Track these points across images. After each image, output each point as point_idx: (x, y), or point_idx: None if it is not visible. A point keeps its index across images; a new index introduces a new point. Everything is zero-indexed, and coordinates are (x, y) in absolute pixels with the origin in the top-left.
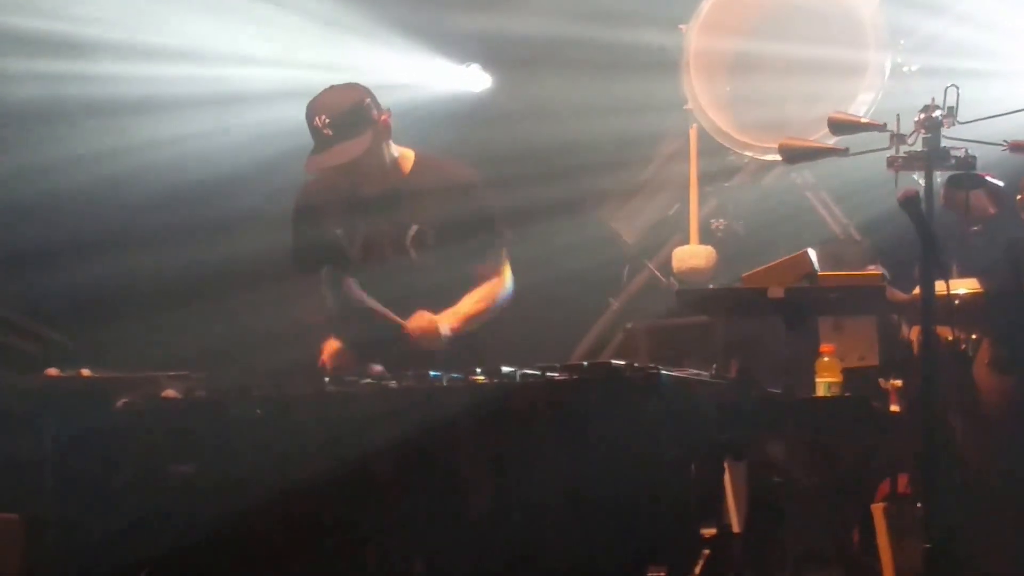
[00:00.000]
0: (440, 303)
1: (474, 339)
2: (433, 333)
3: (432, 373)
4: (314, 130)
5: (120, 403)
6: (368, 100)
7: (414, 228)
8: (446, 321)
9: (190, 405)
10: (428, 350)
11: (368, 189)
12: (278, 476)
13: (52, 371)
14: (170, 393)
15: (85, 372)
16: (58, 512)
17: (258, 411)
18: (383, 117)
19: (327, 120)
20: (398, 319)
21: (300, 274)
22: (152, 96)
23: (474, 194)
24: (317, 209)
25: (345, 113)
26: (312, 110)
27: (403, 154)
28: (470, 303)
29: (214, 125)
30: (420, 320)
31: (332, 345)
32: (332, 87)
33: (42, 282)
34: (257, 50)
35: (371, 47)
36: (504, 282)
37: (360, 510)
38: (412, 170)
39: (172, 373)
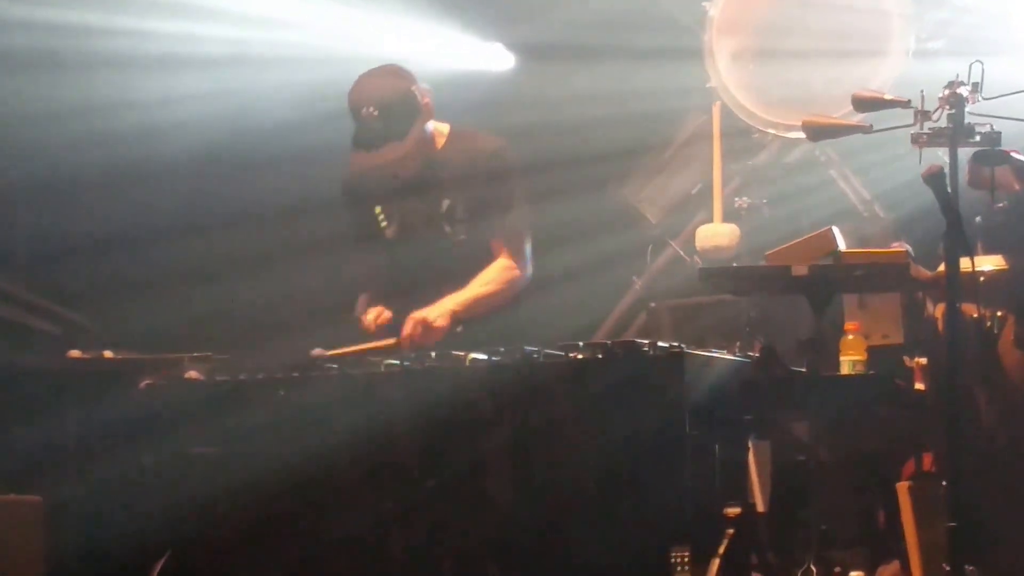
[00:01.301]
0: (465, 277)
1: (514, 316)
2: (429, 331)
3: (455, 352)
4: (360, 119)
5: (142, 385)
6: (415, 87)
7: (446, 203)
8: (447, 307)
9: (213, 387)
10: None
11: (405, 167)
12: (301, 458)
13: (74, 353)
14: (193, 375)
15: (107, 354)
16: (80, 494)
17: (281, 392)
18: (426, 101)
19: (375, 112)
20: (389, 341)
21: (359, 251)
22: (172, 54)
23: (498, 162)
24: (360, 188)
25: (394, 104)
26: (358, 99)
27: (438, 129)
28: (477, 286)
29: (234, 88)
30: (411, 325)
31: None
32: (376, 73)
33: (63, 263)
34: (275, 12)
35: (393, 16)
36: (519, 264)
37: (383, 492)
38: (444, 145)
39: (195, 355)
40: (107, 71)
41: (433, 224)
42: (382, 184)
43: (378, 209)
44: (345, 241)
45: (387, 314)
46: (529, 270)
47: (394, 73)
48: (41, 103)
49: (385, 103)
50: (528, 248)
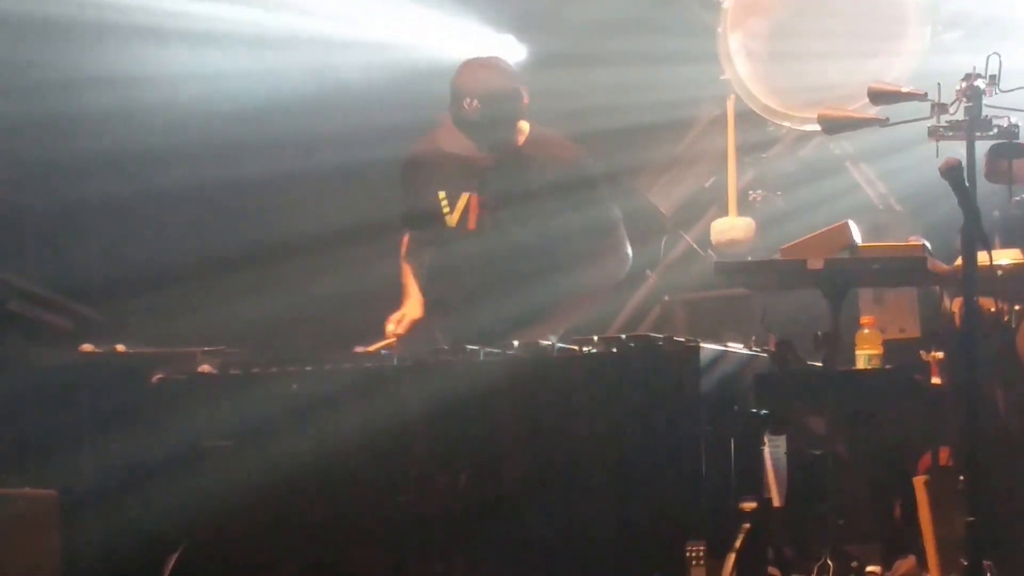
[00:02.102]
0: (533, 277)
1: None
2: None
3: (469, 347)
4: (460, 109)
5: (155, 378)
6: (520, 87)
7: (517, 201)
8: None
9: (226, 380)
10: None
11: (479, 157)
12: (314, 451)
13: (87, 347)
14: (205, 368)
15: (120, 348)
16: (94, 488)
17: (294, 386)
18: (526, 101)
19: (477, 105)
20: None
21: (409, 231)
22: (187, 31)
23: (583, 172)
24: (425, 168)
25: (498, 101)
26: (462, 88)
27: (518, 126)
28: (581, 300)
29: (248, 71)
30: None
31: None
32: (484, 64)
33: (75, 257)
34: None
35: (406, 1)
36: (619, 259)
37: (397, 485)
38: (525, 144)
39: (208, 348)
40: (127, 46)
41: (498, 220)
42: (453, 169)
43: (442, 194)
44: (394, 217)
45: (412, 316)
46: (629, 258)
47: (501, 69)
48: (54, 78)
49: (490, 98)
50: (626, 241)
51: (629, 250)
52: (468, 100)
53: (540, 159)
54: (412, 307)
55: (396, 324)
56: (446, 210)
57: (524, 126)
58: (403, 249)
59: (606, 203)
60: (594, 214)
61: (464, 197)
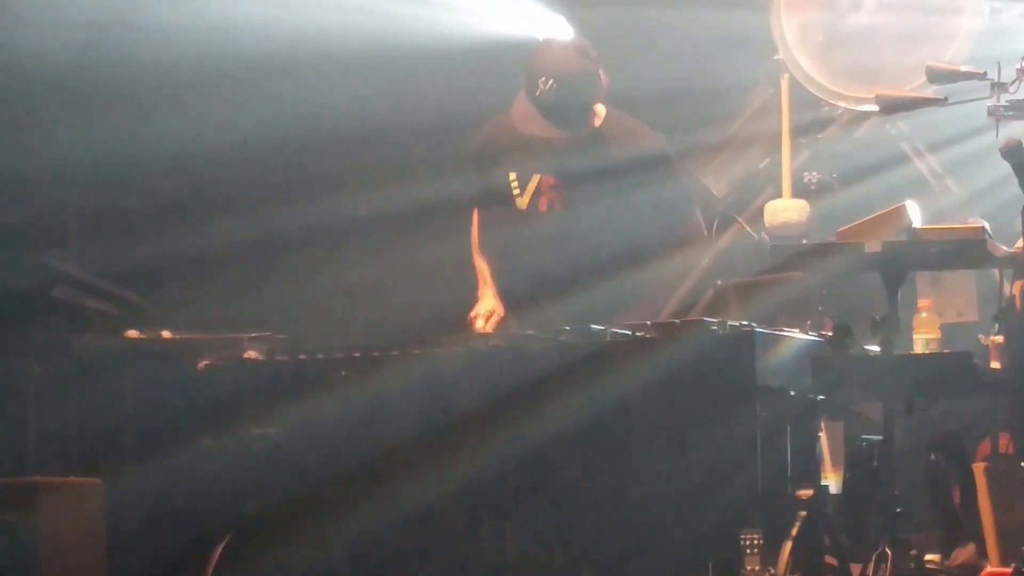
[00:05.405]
0: (607, 261)
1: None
2: None
3: (520, 333)
4: (535, 88)
5: (201, 365)
6: (599, 71)
7: (591, 182)
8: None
9: (272, 367)
10: None
11: (555, 138)
12: (362, 439)
13: (132, 333)
14: (252, 355)
15: (166, 334)
16: (139, 476)
17: (342, 372)
18: (605, 83)
19: (553, 86)
20: None
21: (480, 212)
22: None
23: (664, 159)
24: (497, 150)
25: (576, 83)
26: (538, 68)
27: (595, 110)
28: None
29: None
30: None
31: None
32: (562, 45)
33: (119, 242)
34: None
35: None
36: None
37: (447, 474)
38: (601, 126)
39: (254, 334)
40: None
41: (568, 202)
42: (527, 151)
43: (512, 176)
44: (465, 202)
45: (499, 313)
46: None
47: (581, 51)
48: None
49: (567, 80)
50: (700, 217)
51: (705, 232)
52: (544, 80)
53: (618, 141)
54: (496, 303)
55: (485, 321)
56: (516, 192)
57: (600, 110)
58: (474, 232)
59: (684, 185)
60: (672, 196)
61: (535, 179)
